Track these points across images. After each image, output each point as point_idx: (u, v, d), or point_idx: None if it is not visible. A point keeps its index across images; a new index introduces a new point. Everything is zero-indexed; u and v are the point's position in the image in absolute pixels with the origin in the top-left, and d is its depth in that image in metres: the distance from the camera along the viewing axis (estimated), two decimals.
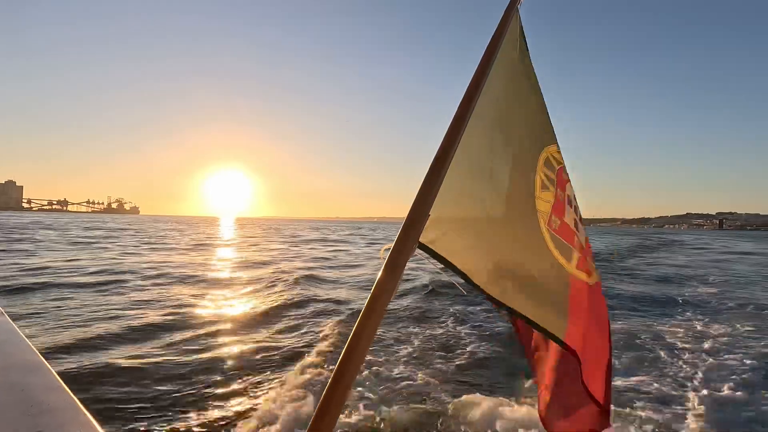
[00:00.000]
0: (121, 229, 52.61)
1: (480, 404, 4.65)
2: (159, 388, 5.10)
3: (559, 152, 1.47)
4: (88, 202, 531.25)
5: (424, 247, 1.03)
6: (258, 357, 6.37)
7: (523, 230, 1.31)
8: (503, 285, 1.21)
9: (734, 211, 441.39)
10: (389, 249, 1.00)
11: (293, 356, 6.41)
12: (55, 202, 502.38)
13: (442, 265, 1.11)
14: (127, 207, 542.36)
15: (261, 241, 36.19)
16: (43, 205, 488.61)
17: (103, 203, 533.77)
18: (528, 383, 5.23)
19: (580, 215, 1.47)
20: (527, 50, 1.45)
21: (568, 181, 1.48)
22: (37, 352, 1.78)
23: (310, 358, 6.23)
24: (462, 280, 1.15)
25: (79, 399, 1.44)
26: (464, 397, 4.92)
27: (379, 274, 0.97)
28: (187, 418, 4.42)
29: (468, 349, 6.98)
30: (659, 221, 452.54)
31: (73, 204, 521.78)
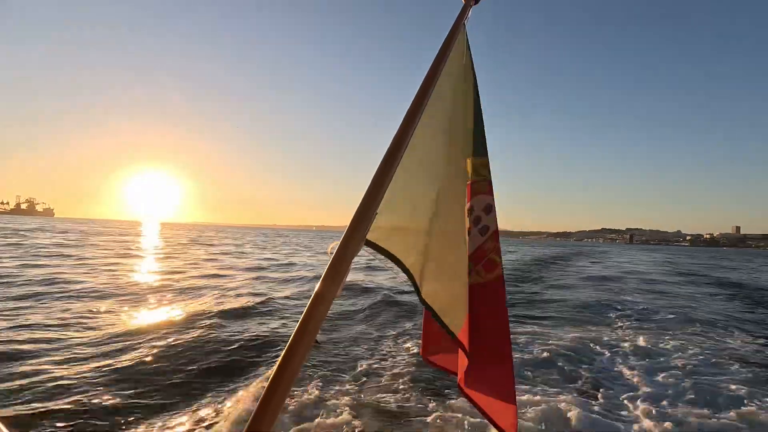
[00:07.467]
0: None
1: None
2: None
3: (481, 163, 1.51)
4: None
5: (371, 244, 1.06)
6: None
7: (451, 233, 1.39)
8: (433, 286, 1.28)
9: (641, 227, 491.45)
10: (336, 245, 0.99)
11: None
12: None
13: (390, 261, 1.16)
14: (39, 208, 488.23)
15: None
16: None
17: (8, 203, 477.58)
18: None
19: (483, 223, 1.49)
20: (472, 63, 1.52)
21: (479, 192, 1.50)
22: None
23: None
24: (405, 276, 1.20)
25: None
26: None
27: (326, 268, 0.96)
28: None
29: None
30: (579, 235, 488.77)
31: None
